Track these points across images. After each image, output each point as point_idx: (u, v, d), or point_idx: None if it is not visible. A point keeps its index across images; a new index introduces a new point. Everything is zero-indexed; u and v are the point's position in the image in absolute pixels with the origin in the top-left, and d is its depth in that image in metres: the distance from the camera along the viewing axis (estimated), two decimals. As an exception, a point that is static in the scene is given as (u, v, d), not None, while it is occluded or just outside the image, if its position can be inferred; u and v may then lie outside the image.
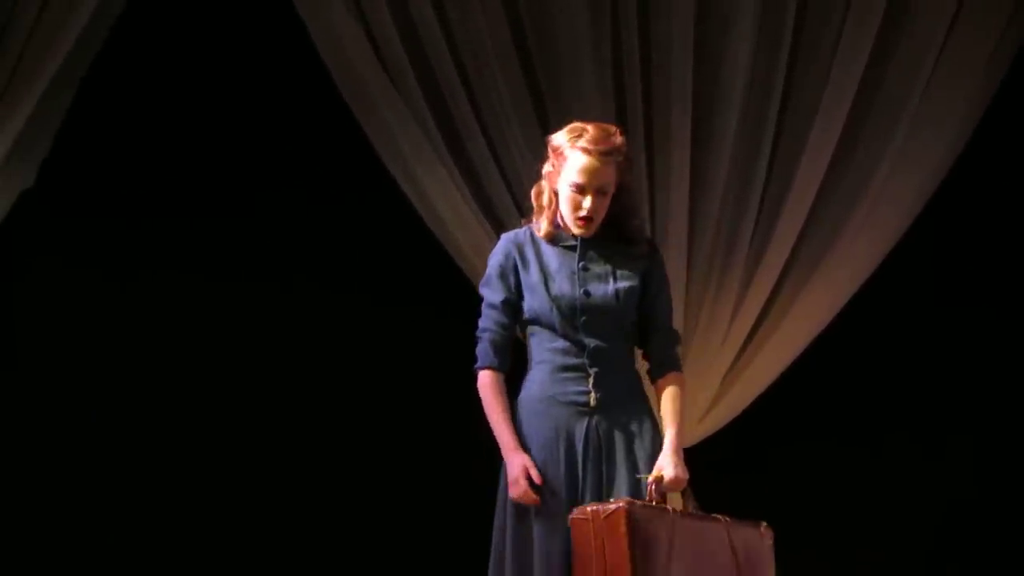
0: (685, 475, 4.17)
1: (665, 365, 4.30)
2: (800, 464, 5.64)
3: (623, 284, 4.25)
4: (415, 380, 5.60)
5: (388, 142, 5.50)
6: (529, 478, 4.15)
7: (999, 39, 5.59)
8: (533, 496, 4.14)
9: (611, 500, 4.08)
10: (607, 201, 4.26)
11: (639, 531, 3.98)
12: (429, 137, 5.48)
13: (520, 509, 4.19)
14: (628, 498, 4.05)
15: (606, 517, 3.99)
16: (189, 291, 5.66)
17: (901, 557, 5.62)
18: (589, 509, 4.04)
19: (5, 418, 5.53)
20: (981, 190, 5.66)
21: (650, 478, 4.13)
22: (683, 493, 4.16)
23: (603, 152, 4.21)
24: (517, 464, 4.17)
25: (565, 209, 4.27)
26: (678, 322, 5.44)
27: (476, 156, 5.50)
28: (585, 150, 4.21)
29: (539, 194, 4.35)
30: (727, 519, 4.14)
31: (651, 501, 4.09)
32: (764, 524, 4.16)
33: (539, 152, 4.45)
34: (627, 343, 4.31)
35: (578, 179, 4.22)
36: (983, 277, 5.69)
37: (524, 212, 5.29)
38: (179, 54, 5.64)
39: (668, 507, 4.10)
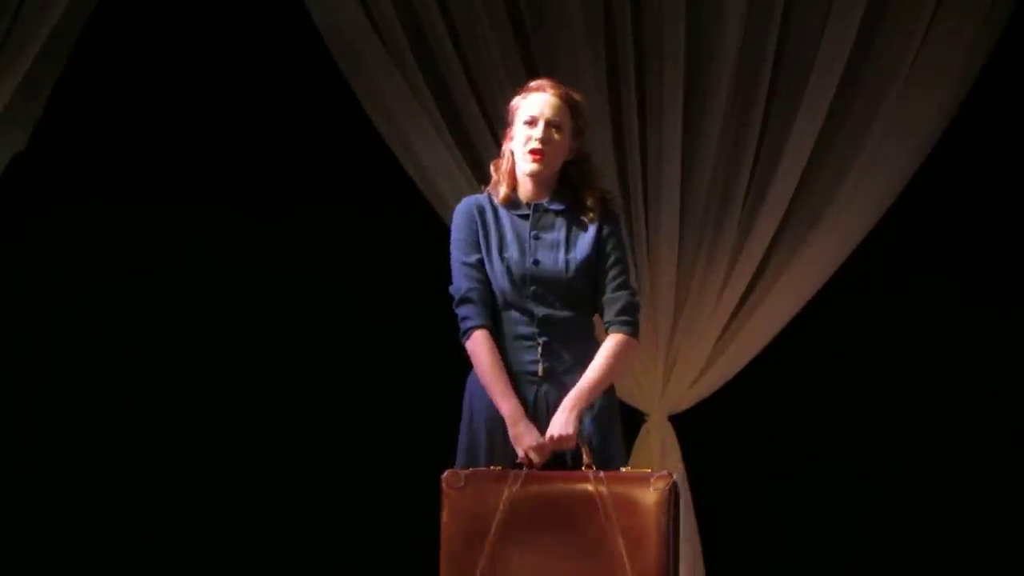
0: (567, 431, 4.10)
1: (614, 326, 4.24)
2: (793, 429, 5.65)
3: (575, 254, 4.24)
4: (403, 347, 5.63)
5: (383, 112, 5.50)
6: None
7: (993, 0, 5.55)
8: (540, 462, 4.13)
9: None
10: (561, 140, 4.23)
11: (453, 501, 4.06)
12: (421, 102, 5.48)
13: None
14: (453, 470, 4.11)
15: (441, 488, 4.09)
16: (179, 254, 5.65)
17: (886, 528, 5.67)
18: None
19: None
20: (976, 151, 5.63)
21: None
22: (580, 447, 4.12)
23: (553, 87, 4.27)
24: (533, 435, 4.13)
25: (519, 154, 4.26)
26: (670, 288, 5.52)
27: (472, 129, 5.50)
28: (536, 87, 4.29)
29: (499, 163, 4.36)
30: (606, 474, 4.06)
31: (533, 463, 4.09)
32: (661, 475, 4.05)
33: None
34: (581, 312, 4.27)
35: (529, 111, 4.25)
36: (978, 239, 5.67)
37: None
38: (172, 19, 5.60)
39: (513, 470, 4.09)
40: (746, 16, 5.48)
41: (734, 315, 5.56)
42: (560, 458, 4.16)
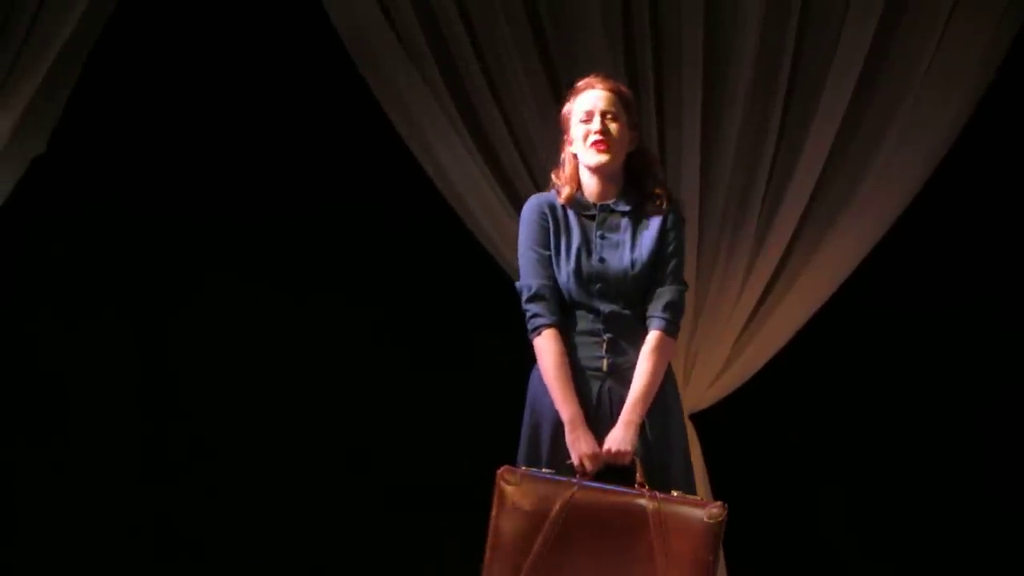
0: (624, 448, 4.16)
1: (653, 322, 4.30)
2: (810, 428, 5.71)
3: (640, 252, 4.29)
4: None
5: (401, 111, 5.52)
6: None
7: (1008, 3, 5.58)
8: (593, 469, 4.18)
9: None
10: (620, 130, 4.30)
11: (507, 497, 4.09)
12: (441, 104, 5.50)
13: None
14: (510, 467, 4.14)
15: (496, 482, 4.12)
16: (197, 255, 5.65)
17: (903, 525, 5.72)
18: None
19: (10, 378, 5.55)
20: (992, 155, 5.66)
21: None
22: (634, 464, 4.17)
23: (602, 82, 4.35)
24: (590, 443, 4.18)
25: (582, 151, 4.31)
26: (689, 290, 5.51)
27: (491, 129, 5.53)
28: (586, 85, 4.36)
29: (559, 169, 4.41)
30: (661, 495, 4.10)
31: (583, 475, 4.14)
32: (715, 505, 4.11)
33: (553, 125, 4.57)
34: (646, 308, 4.32)
35: (583, 107, 4.31)
36: (994, 243, 5.71)
37: (535, 175, 5.39)
38: (190, 22, 5.60)
39: (571, 480, 4.13)
40: (763, 21, 5.53)
41: (752, 317, 5.60)
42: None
